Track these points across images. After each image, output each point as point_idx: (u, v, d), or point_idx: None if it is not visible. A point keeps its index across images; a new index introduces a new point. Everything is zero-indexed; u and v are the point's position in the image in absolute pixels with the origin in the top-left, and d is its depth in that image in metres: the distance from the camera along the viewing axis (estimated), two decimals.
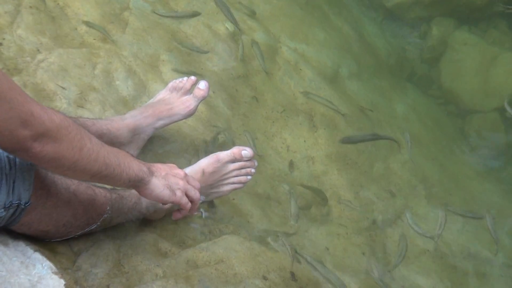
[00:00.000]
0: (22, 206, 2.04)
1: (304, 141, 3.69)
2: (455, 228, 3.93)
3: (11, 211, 2.04)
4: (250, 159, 2.74)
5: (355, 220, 3.58)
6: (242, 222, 3.02)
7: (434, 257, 3.71)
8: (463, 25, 5.39)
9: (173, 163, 2.88)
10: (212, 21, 3.81)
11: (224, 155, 2.69)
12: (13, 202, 2.02)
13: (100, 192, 2.33)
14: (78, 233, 2.31)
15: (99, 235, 2.41)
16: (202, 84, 2.90)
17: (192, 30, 3.67)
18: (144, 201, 2.50)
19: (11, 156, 2.01)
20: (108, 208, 2.32)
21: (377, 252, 3.52)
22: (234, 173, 2.71)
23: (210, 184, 2.69)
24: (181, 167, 2.87)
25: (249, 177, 2.76)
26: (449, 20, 5.34)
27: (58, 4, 3.21)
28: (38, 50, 2.95)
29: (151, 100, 2.94)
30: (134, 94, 3.09)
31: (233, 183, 2.73)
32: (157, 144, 3.00)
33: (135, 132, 2.76)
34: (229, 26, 3.88)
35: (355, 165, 3.82)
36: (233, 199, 3.09)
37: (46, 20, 3.09)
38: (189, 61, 3.50)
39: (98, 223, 2.33)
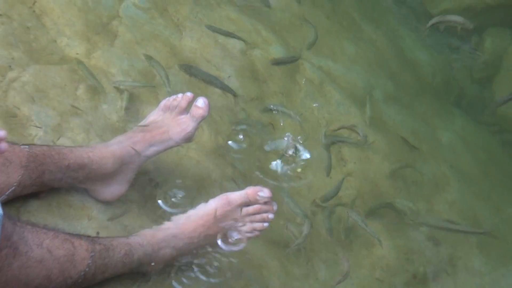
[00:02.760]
0: None
1: (330, 178, 3.65)
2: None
3: None
4: (267, 201, 2.65)
5: (392, 273, 3.52)
6: (255, 275, 2.97)
7: None
8: None
9: None
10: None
11: (235, 196, 2.58)
12: None
13: (81, 244, 2.23)
14: None
15: None
16: (201, 102, 2.78)
17: (195, 43, 3.64)
18: (136, 252, 2.39)
19: None
20: (89, 262, 2.27)
21: None
22: (248, 218, 2.62)
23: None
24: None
25: (266, 224, 2.63)
26: (505, 31, 5.33)
27: (34, 11, 3.16)
28: (10, 66, 2.89)
29: (141, 123, 2.83)
30: (125, 119, 3.05)
31: (246, 231, 2.65)
32: (151, 180, 2.95)
33: (122, 161, 2.63)
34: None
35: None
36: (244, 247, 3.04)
37: (20, 30, 3.04)
38: (191, 81, 3.46)
39: (79, 281, 2.27)
